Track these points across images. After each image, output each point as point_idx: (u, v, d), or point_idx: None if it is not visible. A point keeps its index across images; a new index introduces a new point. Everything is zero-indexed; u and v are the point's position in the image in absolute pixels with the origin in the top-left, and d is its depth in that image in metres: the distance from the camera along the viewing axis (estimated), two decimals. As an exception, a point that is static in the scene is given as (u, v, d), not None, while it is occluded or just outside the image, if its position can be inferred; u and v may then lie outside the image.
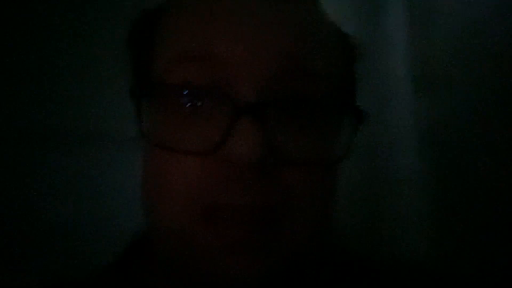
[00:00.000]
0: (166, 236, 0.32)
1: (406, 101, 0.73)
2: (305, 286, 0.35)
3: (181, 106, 0.31)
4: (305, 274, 0.35)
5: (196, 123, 0.31)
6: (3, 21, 0.61)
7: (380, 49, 0.72)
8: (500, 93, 0.68)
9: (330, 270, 0.39)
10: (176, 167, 0.30)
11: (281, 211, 0.30)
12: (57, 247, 0.59)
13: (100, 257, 0.40)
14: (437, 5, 0.73)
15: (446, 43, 0.72)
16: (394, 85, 0.74)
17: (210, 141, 0.29)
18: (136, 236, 0.40)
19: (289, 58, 0.30)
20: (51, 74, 0.62)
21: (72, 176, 0.61)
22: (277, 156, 0.30)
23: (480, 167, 0.69)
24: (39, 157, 0.61)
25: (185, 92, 0.30)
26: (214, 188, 0.30)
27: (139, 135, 0.32)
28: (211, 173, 0.30)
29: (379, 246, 0.74)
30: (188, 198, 0.30)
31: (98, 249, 0.52)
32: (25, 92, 0.62)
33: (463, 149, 0.70)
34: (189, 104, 0.31)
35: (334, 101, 0.33)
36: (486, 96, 0.69)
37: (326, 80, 0.32)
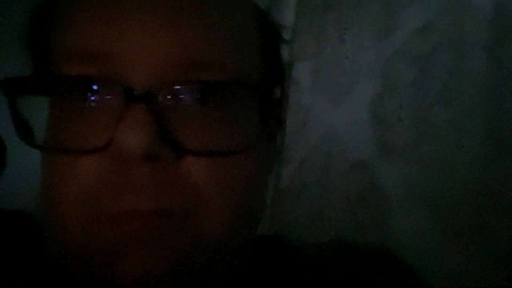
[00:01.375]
0: (67, 243, 0.28)
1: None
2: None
3: (69, 102, 0.28)
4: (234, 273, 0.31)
5: (86, 120, 0.28)
6: None
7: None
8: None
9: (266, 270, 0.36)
10: (67, 170, 0.28)
11: (184, 210, 0.28)
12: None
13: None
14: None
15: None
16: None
17: (102, 138, 0.27)
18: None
19: (180, 49, 0.28)
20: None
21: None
22: (172, 147, 0.27)
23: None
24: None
25: (75, 83, 0.28)
26: (111, 191, 0.27)
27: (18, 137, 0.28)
28: (106, 174, 0.27)
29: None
30: (86, 202, 0.27)
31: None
32: None
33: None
34: (78, 98, 0.28)
35: (236, 87, 0.30)
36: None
37: (224, 69, 0.29)
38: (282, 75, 0.37)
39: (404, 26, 0.88)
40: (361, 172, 0.94)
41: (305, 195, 1.07)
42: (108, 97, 0.27)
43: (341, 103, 1.02)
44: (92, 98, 0.28)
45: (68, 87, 0.28)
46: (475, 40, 0.75)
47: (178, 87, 0.28)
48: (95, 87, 0.28)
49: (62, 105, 0.29)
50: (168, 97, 0.28)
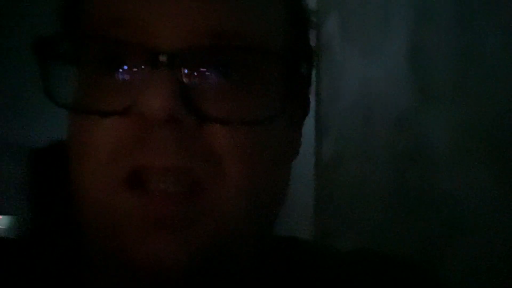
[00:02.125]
0: (90, 213, 0.30)
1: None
2: (242, 272, 0.32)
3: (96, 65, 0.30)
4: (244, 257, 0.32)
5: (111, 83, 0.29)
6: None
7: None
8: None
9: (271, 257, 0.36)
10: (94, 130, 0.29)
11: (204, 173, 0.28)
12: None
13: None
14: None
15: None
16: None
17: (126, 100, 0.28)
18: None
19: (206, 17, 0.28)
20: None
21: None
22: (194, 112, 0.28)
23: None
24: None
25: (103, 46, 0.29)
26: (134, 149, 0.28)
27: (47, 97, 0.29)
28: (130, 134, 0.28)
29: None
30: (109, 162, 0.28)
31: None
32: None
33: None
34: (104, 61, 0.29)
35: (261, 57, 0.31)
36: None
37: (249, 40, 0.29)
38: (310, 53, 0.37)
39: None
40: (404, 127, 0.84)
41: (348, 163, 0.99)
42: (134, 61, 0.29)
43: (374, 54, 0.92)
44: (119, 61, 0.29)
45: (96, 50, 0.30)
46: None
47: (202, 53, 0.28)
48: (121, 51, 0.29)
49: (90, 67, 0.30)
50: (193, 63, 0.28)
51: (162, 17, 0.28)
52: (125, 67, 0.29)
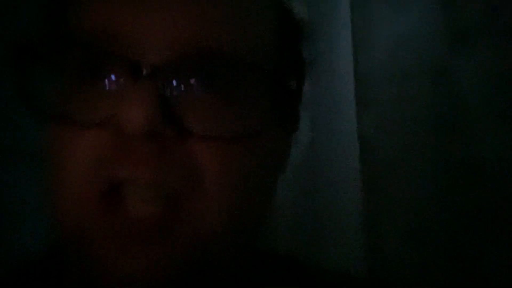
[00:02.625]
0: (66, 227, 0.29)
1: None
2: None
3: (77, 73, 0.29)
4: (224, 273, 0.31)
5: (92, 93, 0.28)
6: None
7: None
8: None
9: (253, 272, 0.35)
10: (72, 140, 0.28)
11: (184, 189, 0.27)
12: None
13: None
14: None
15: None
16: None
17: (106, 112, 0.27)
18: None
19: (191, 32, 0.28)
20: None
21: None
22: (176, 127, 0.27)
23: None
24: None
25: (85, 53, 0.29)
26: (113, 162, 0.27)
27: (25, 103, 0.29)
28: (109, 145, 0.27)
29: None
30: (86, 174, 0.28)
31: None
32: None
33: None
34: (86, 70, 0.28)
35: (245, 72, 0.29)
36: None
37: (234, 54, 0.29)
38: (300, 67, 0.35)
39: None
40: (441, 82, 0.74)
41: (390, 134, 0.90)
42: (116, 72, 0.28)
43: (406, 8, 0.83)
44: (101, 71, 0.28)
45: (78, 58, 0.29)
46: None
47: (185, 66, 0.28)
48: (105, 61, 0.28)
49: (70, 75, 0.29)
50: (176, 76, 0.28)
51: (146, 29, 0.27)
52: (107, 78, 0.28)
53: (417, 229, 0.86)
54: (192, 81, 0.28)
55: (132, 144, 0.26)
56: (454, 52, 0.69)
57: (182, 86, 0.28)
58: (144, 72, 0.26)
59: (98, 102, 0.28)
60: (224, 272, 0.30)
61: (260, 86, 0.30)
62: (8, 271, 0.37)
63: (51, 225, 0.30)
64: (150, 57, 0.27)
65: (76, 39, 0.29)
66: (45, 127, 0.30)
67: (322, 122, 1.14)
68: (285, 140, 0.36)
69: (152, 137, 0.26)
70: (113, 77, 0.28)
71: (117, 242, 0.27)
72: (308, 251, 1.04)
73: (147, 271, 0.27)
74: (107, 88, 0.28)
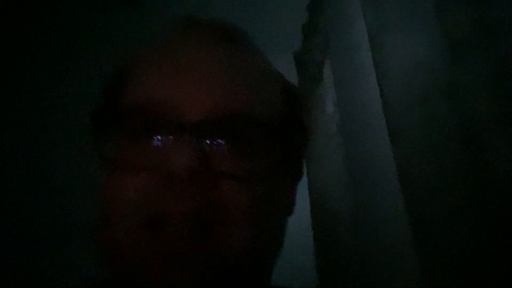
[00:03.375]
0: (116, 256, 0.35)
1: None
2: None
3: (135, 133, 0.37)
4: None
5: (147, 147, 0.36)
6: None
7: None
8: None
9: None
10: (127, 183, 0.35)
11: (213, 219, 0.34)
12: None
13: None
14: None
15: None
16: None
17: (158, 159, 0.35)
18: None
19: (221, 101, 0.36)
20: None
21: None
22: (210, 168, 0.35)
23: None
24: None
25: (139, 118, 0.37)
26: (158, 198, 0.34)
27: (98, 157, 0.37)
28: (156, 185, 0.34)
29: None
30: (135, 209, 0.34)
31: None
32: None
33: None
34: (142, 131, 0.36)
35: (260, 131, 0.38)
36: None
37: (252, 117, 0.37)
38: (302, 128, 0.45)
39: None
40: (452, 98, 0.71)
41: (422, 161, 0.87)
42: (164, 131, 0.36)
43: (415, 32, 0.82)
44: (152, 131, 0.36)
45: (136, 121, 0.37)
46: None
47: (217, 126, 0.36)
48: (155, 123, 0.36)
49: (129, 135, 0.37)
50: (210, 133, 0.36)
51: (187, 99, 0.36)
52: (160, 135, 0.36)
53: (465, 256, 0.80)
54: (222, 137, 0.36)
55: (177, 184, 0.33)
56: (453, 64, 0.67)
57: (215, 141, 0.36)
58: (187, 129, 0.34)
59: (152, 154, 0.35)
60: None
61: (272, 140, 0.38)
62: None
63: (99, 261, 0.36)
64: (191, 119, 0.35)
65: (136, 109, 0.37)
66: (107, 174, 0.37)
67: (356, 156, 1.12)
68: (293, 185, 0.45)
69: (193, 177, 0.33)
70: (162, 135, 0.36)
71: (159, 264, 0.33)
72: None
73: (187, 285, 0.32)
74: (158, 143, 0.36)
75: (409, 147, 0.88)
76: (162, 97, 0.36)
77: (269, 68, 0.43)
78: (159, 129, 0.36)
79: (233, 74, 0.38)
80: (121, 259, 0.34)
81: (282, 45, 1.74)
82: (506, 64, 0.56)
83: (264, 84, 0.40)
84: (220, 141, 0.36)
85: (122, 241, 0.34)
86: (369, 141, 1.04)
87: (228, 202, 0.35)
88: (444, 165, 0.80)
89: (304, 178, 1.66)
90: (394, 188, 0.98)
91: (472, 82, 0.64)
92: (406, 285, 0.98)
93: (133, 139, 0.37)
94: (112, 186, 0.36)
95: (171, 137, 0.35)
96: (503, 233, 0.70)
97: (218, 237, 0.34)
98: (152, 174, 0.34)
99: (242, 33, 0.44)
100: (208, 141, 0.35)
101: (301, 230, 2.10)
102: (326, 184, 1.68)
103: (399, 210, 0.99)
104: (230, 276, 0.34)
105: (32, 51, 1.45)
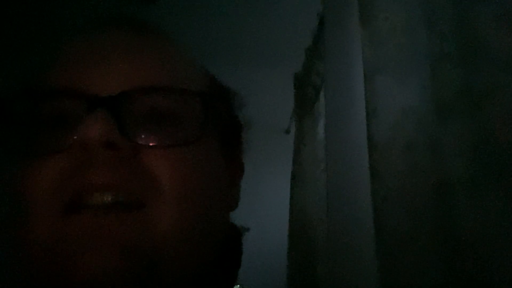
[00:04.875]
0: (38, 251, 0.32)
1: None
2: None
3: (49, 117, 0.35)
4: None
5: (61, 128, 0.35)
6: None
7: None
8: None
9: None
10: (42, 168, 0.33)
11: (143, 192, 0.32)
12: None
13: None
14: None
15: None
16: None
17: (71, 137, 0.33)
18: None
19: (133, 76, 0.37)
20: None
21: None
22: (129, 139, 0.33)
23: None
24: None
25: (48, 97, 0.36)
26: (76, 176, 0.32)
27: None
28: (73, 164, 0.32)
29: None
30: (52, 189, 0.32)
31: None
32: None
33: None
34: (51, 111, 0.35)
35: (178, 96, 0.37)
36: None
37: (169, 88, 0.37)
38: (226, 95, 0.46)
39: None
40: (435, 153, 0.73)
41: (399, 205, 0.88)
42: (78, 108, 0.35)
43: (407, 80, 0.83)
44: (65, 112, 0.35)
45: (48, 106, 0.36)
46: None
47: (133, 96, 0.35)
48: (67, 101, 0.36)
49: (42, 121, 0.36)
50: (127, 103, 0.35)
51: (98, 77, 0.36)
52: (71, 114, 0.35)
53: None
54: (140, 106, 0.36)
55: (93, 157, 0.32)
56: (439, 124, 0.69)
57: (133, 110, 0.35)
58: (97, 98, 0.34)
59: (66, 133, 0.34)
60: (181, 278, 0.33)
61: (194, 107, 0.37)
62: None
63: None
64: (102, 94, 0.35)
65: (47, 92, 0.36)
66: (19, 165, 0.34)
67: (338, 186, 1.14)
68: (231, 177, 0.44)
69: (110, 149, 0.32)
70: (76, 111, 0.35)
71: (84, 245, 0.30)
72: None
73: (110, 272, 0.29)
74: (72, 122, 0.34)
75: (387, 189, 0.90)
76: (76, 79, 0.36)
77: (186, 57, 0.44)
78: (73, 109, 0.35)
79: (145, 57, 0.39)
80: (43, 253, 0.31)
81: (284, 65, 1.76)
82: (484, 133, 0.58)
83: (177, 61, 0.41)
84: (138, 111, 0.35)
85: (45, 233, 0.31)
86: (351, 175, 1.06)
87: (158, 173, 0.33)
88: (416, 213, 0.81)
89: (287, 195, 1.67)
90: (368, 225, 1.00)
91: (451, 142, 0.66)
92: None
93: (48, 123, 0.35)
94: (27, 176, 0.33)
95: (82, 112, 0.34)
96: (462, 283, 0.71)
97: (151, 212, 0.32)
98: (69, 153, 0.33)
99: (155, 27, 0.44)
100: (125, 112, 0.34)
101: (277, 248, 2.12)
102: (307, 204, 1.70)
103: (369, 245, 1.00)
104: (165, 258, 0.32)
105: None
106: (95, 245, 0.30)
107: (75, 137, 0.32)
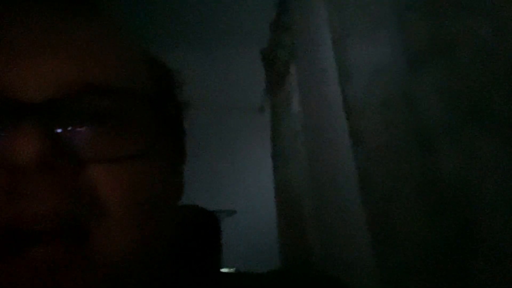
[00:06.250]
0: None
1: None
2: None
3: None
4: None
5: None
6: None
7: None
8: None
9: None
10: None
11: (87, 216, 0.28)
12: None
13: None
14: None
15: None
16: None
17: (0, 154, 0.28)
18: None
19: (68, 72, 0.30)
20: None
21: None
22: (67, 157, 0.28)
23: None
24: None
25: None
26: (8, 205, 0.27)
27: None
28: (3, 188, 0.27)
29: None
30: None
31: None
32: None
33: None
34: None
35: (121, 100, 0.32)
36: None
37: (110, 88, 0.31)
38: (173, 96, 0.40)
39: None
40: (410, 107, 0.74)
41: (382, 163, 0.90)
42: (5, 117, 0.29)
43: (377, 38, 0.84)
44: None
45: None
46: None
47: (68, 103, 0.30)
48: None
49: None
50: (61, 113, 0.29)
51: (23, 76, 0.29)
52: None
53: (420, 254, 0.84)
54: (78, 115, 0.30)
55: (27, 179, 0.26)
56: (411, 74, 0.70)
57: (69, 120, 0.29)
58: (27, 107, 0.28)
59: None
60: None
61: (141, 112, 0.32)
62: None
63: None
64: (33, 99, 0.28)
65: None
66: None
67: (319, 155, 1.15)
68: (177, 168, 0.39)
69: (46, 169, 0.27)
70: (3, 121, 0.28)
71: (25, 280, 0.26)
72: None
73: None
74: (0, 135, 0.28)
75: (369, 148, 0.91)
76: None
77: (126, 40, 0.37)
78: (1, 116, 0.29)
79: (79, 45, 0.32)
80: None
81: (251, 42, 1.75)
82: (457, 77, 0.59)
83: (119, 54, 0.34)
84: (74, 121, 0.30)
85: None
86: (331, 141, 1.07)
87: (102, 192, 0.29)
88: (400, 166, 0.83)
89: (270, 173, 1.68)
90: (353, 186, 1.02)
91: (427, 92, 0.67)
92: (362, 271, 1.02)
93: None
94: None
95: (13, 121, 0.28)
96: (449, 229, 0.74)
97: (98, 237, 0.28)
98: None
99: (89, 4, 0.36)
100: (60, 123, 0.29)
101: (266, 226, 2.14)
102: (291, 179, 1.71)
103: (357, 206, 1.03)
104: (123, 279, 0.29)
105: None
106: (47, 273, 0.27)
107: (5, 156, 0.27)
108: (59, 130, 0.29)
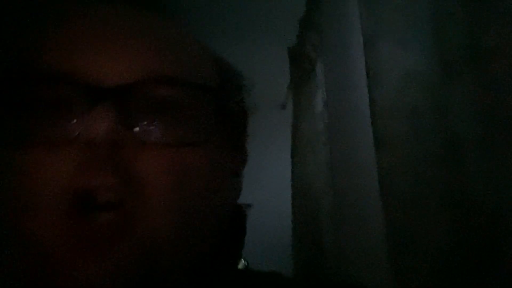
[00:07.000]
0: (38, 251, 0.30)
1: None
2: None
3: (50, 104, 0.32)
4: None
5: (62, 119, 0.32)
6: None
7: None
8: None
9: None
10: (44, 161, 0.31)
11: (123, 192, 0.30)
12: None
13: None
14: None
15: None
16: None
17: (76, 130, 0.31)
18: None
19: (140, 65, 0.33)
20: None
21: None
22: (134, 137, 0.31)
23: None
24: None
25: (49, 84, 0.32)
26: (79, 174, 0.30)
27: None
28: (76, 160, 0.30)
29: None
30: (55, 187, 0.30)
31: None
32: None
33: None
34: (51, 98, 0.32)
35: (185, 91, 0.34)
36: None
37: (177, 80, 0.34)
38: (238, 92, 0.42)
39: None
40: (440, 116, 0.72)
41: (405, 171, 0.88)
42: (81, 101, 0.32)
43: (411, 44, 0.82)
44: (67, 102, 0.32)
45: (49, 92, 0.33)
46: None
47: (139, 89, 0.33)
48: (70, 92, 0.33)
49: (41, 108, 0.33)
50: (132, 98, 0.32)
51: (104, 64, 0.33)
52: (74, 104, 0.32)
53: (438, 266, 0.82)
54: (146, 101, 0.33)
55: (98, 155, 0.30)
56: (444, 82, 0.68)
57: (138, 105, 0.33)
58: (103, 91, 0.31)
59: (67, 125, 0.31)
60: (174, 278, 0.32)
61: (201, 104, 0.34)
62: None
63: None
64: (109, 84, 0.32)
65: (47, 77, 0.33)
66: (15, 155, 0.32)
67: (340, 157, 1.13)
68: (237, 170, 0.41)
69: (114, 147, 0.30)
70: (79, 104, 0.32)
71: (81, 249, 0.29)
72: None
73: (108, 275, 0.29)
74: (75, 113, 0.32)
75: (393, 155, 0.89)
76: (75, 63, 0.32)
77: (193, 39, 0.39)
78: (77, 98, 0.32)
79: (153, 39, 0.35)
80: (44, 253, 0.30)
81: (277, 38, 1.74)
82: (492, 90, 0.57)
83: (189, 50, 0.37)
84: (142, 106, 0.33)
85: (45, 232, 0.30)
86: (354, 144, 1.05)
87: (141, 173, 0.31)
88: (425, 175, 0.81)
89: (288, 171, 1.67)
90: (374, 193, 1.00)
91: (460, 102, 0.65)
92: (377, 277, 1.01)
93: (48, 111, 0.32)
94: (26, 168, 0.31)
95: (89, 105, 0.31)
96: (471, 244, 0.72)
97: (130, 214, 0.30)
98: (72, 148, 0.30)
99: (160, 6, 0.40)
100: (130, 107, 0.32)
101: (281, 223, 2.13)
102: (309, 178, 1.70)
103: (376, 212, 1.01)
104: (160, 260, 0.31)
105: None
106: (99, 244, 0.29)
107: (78, 133, 0.31)
108: (131, 112, 0.32)
